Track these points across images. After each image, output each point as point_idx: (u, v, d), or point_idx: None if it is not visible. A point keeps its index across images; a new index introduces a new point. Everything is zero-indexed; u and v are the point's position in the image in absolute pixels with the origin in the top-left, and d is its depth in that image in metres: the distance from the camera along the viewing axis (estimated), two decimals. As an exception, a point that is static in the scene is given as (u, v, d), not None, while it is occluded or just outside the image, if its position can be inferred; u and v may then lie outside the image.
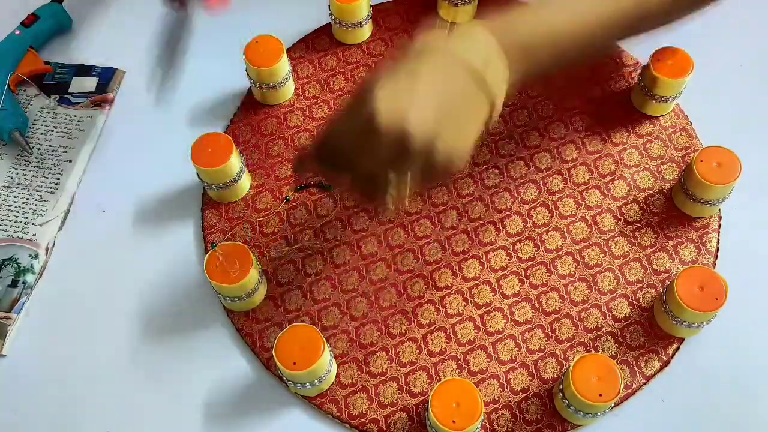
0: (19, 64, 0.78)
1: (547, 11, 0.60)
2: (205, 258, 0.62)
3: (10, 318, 0.66)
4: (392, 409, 0.61)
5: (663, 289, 0.65)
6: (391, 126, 0.49)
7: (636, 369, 0.62)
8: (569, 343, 0.63)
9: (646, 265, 0.66)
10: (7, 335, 0.65)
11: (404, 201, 0.56)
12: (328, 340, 0.63)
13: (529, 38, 0.57)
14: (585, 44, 0.61)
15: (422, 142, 0.50)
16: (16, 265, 0.69)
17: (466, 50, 0.53)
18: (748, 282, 0.64)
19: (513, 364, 0.63)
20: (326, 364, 0.59)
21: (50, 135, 0.76)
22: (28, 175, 0.74)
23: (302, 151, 0.56)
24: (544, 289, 0.66)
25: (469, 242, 0.68)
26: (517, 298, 0.65)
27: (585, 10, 0.60)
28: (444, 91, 0.52)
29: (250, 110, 0.76)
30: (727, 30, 0.80)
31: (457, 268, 0.67)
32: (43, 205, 0.72)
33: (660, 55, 0.70)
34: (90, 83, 0.79)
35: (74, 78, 0.80)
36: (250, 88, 0.77)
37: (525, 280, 0.66)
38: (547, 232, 0.68)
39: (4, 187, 0.73)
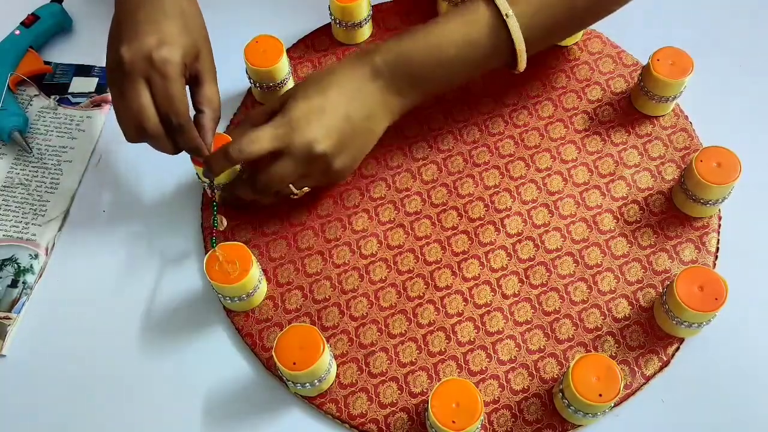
0: (19, 64, 0.78)
1: (436, 36, 0.64)
2: (205, 258, 0.62)
3: (10, 318, 0.66)
4: (392, 409, 0.61)
5: (663, 289, 0.65)
6: (306, 145, 0.61)
7: (636, 369, 0.62)
8: (569, 343, 0.63)
9: (646, 265, 0.66)
10: (7, 335, 0.65)
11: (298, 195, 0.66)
12: (328, 340, 0.63)
13: (420, 68, 0.64)
14: (475, 65, 0.65)
15: (328, 154, 0.62)
16: (16, 265, 0.69)
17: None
18: (748, 282, 0.64)
19: (513, 364, 0.63)
20: (326, 364, 0.59)
21: (50, 135, 0.76)
22: (28, 175, 0.74)
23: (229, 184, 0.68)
24: (544, 289, 0.66)
25: (469, 242, 0.68)
26: (517, 298, 0.65)
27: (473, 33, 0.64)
28: (347, 116, 0.63)
29: (250, 110, 0.76)
30: (727, 30, 0.80)
31: (457, 268, 0.67)
32: (43, 205, 0.72)
33: (660, 55, 0.70)
34: (90, 83, 0.79)
35: (74, 78, 0.80)
36: (250, 88, 0.77)
37: (525, 280, 0.66)
38: (547, 232, 0.68)
39: (4, 187, 0.73)
